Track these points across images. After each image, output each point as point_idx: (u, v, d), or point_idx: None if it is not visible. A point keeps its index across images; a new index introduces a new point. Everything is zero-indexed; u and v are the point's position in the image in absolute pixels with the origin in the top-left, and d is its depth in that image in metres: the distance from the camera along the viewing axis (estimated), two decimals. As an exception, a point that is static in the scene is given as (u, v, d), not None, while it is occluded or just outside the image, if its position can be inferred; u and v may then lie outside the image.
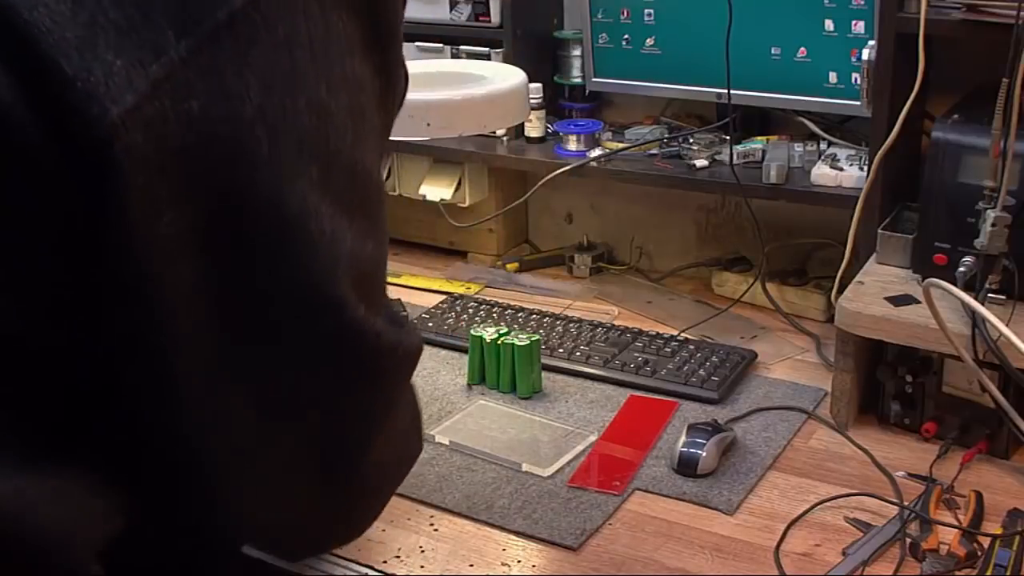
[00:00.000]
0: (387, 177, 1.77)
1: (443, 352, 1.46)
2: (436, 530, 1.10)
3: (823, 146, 1.57)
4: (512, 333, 1.38)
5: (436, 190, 1.76)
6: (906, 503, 1.10)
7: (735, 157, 1.53)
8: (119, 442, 0.66)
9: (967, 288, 1.14)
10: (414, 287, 1.71)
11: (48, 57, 0.54)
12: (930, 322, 1.13)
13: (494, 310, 1.56)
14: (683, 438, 1.19)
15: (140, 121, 0.56)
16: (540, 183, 1.66)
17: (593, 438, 1.25)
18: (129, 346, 0.63)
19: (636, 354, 1.42)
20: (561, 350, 1.44)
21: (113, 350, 0.63)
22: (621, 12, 1.63)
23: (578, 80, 1.74)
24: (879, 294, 1.25)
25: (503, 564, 1.05)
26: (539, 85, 1.67)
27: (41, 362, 0.61)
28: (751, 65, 1.53)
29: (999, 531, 1.05)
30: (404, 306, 1.57)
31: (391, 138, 0.78)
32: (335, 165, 0.65)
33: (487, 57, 1.71)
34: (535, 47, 1.74)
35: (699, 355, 1.41)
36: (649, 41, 1.63)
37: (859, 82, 1.36)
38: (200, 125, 0.58)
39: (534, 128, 1.72)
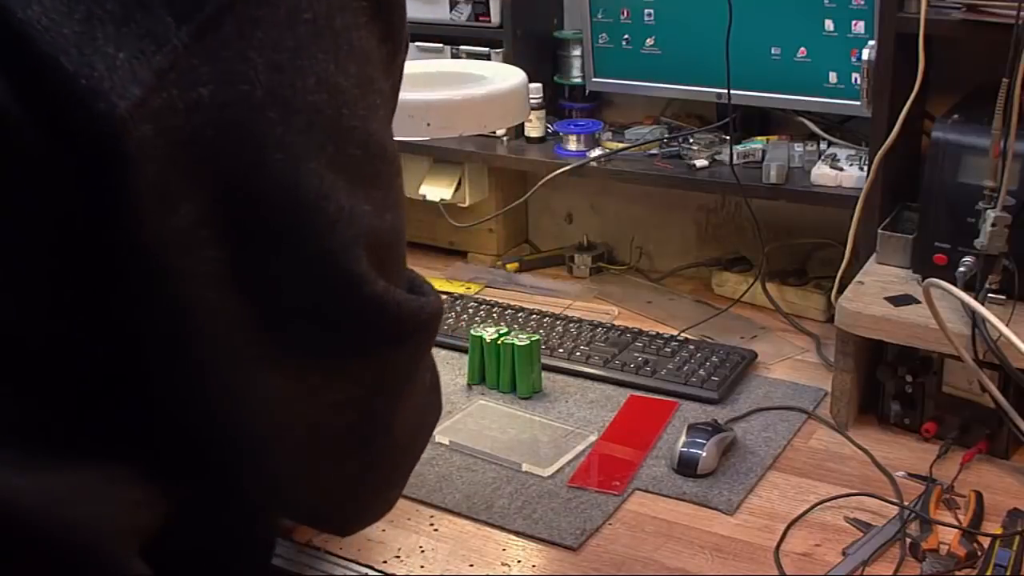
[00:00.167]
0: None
1: (443, 352, 1.46)
2: (436, 530, 1.10)
3: (823, 146, 1.57)
4: (512, 333, 1.38)
5: (436, 190, 1.76)
6: (906, 503, 1.10)
7: (735, 157, 1.53)
8: (151, 432, 0.66)
9: (967, 288, 1.14)
10: (414, 287, 1.71)
11: (46, 55, 0.54)
12: (930, 322, 1.13)
13: (494, 310, 1.56)
14: (683, 438, 1.19)
15: (148, 113, 0.55)
16: (540, 183, 1.66)
17: (593, 438, 1.25)
18: (153, 339, 0.63)
19: (636, 354, 1.42)
20: (561, 350, 1.44)
21: (133, 343, 0.62)
22: (621, 12, 1.63)
23: (578, 80, 1.74)
24: (879, 294, 1.25)
25: (503, 564, 1.05)
26: (539, 85, 1.67)
27: (49, 358, 0.60)
28: (751, 65, 1.53)
29: (999, 531, 1.05)
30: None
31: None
32: (349, 140, 0.64)
33: (487, 57, 1.71)
34: (535, 47, 1.74)
35: (699, 355, 1.41)
36: (649, 41, 1.63)
37: (859, 82, 1.36)
38: (210, 112, 0.58)
39: (534, 128, 1.72)
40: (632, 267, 1.78)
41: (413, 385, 0.77)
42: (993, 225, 1.12)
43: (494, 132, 1.70)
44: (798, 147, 1.56)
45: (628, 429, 1.27)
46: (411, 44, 1.74)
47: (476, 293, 1.68)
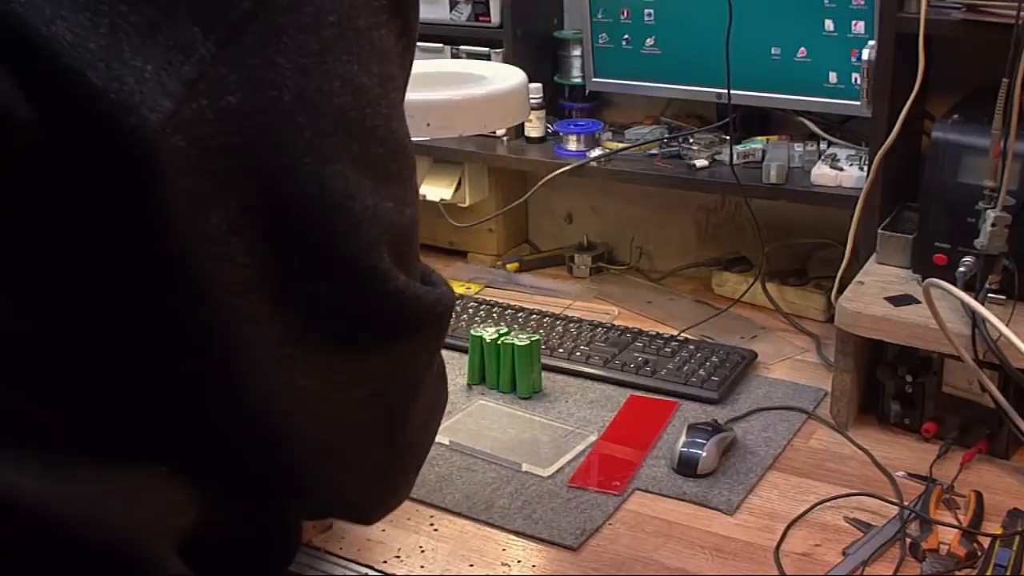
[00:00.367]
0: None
1: (443, 352, 1.45)
2: (436, 530, 1.10)
3: (823, 146, 1.57)
4: (512, 333, 1.38)
5: (436, 190, 1.76)
6: (906, 503, 1.10)
7: (735, 157, 1.53)
8: (181, 433, 0.66)
9: (967, 288, 1.14)
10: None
11: (73, 70, 0.53)
12: (930, 322, 1.13)
13: (494, 310, 1.56)
14: (683, 438, 1.19)
15: (180, 125, 0.55)
16: (540, 183, 1.66)
17: (593, 438, 1.25)
18: (183, 343, 0.63)
19: (636, 354, 1.42)
20: (561, 350, 1.44)
21: (167, 348, 0.62)
22: (621, 12, 1.63)
23: (578, 80, 1.74)
24: (879, 294, 1.25)
25: (503, 564, 1.05)
26: (539, 85, 1.67)
27: (65, 361, 0.60)
28: (751, 65, 1.53)
29: (999, 531, 1.05)
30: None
31: None
32: (372, 139, 0.65)
33: (487, 57, 1.71)
34: (535, 47, 1.74)
35: (699, 355, 1.41)
36: (649, 41, 1.63)
37: (859, 82, 1.36)
38: (240, 120, 0.58)
39: (534, 128, 1.72)
40: (632, 267, 1.78)
41: (430, 373, 0.78)
42: (993, 225, 1.12)
43: (494, 132, 1.70)
44: (798, 147, 1.56)
45: (628, 429, 1.27)
46: (411, 44, 1.74)
47: (476, 293, 1.68)
